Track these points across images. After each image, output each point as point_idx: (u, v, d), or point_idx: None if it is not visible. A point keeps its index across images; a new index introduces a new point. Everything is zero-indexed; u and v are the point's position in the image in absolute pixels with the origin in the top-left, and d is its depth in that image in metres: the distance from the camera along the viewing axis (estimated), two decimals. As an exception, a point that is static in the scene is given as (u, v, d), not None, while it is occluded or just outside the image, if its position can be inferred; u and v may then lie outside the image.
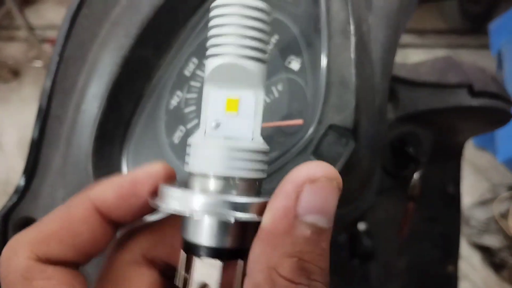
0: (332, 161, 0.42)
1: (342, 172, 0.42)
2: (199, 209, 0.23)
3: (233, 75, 0.25)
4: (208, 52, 0.26)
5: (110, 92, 0.42)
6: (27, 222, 0.44)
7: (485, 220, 1.61)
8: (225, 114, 0.26)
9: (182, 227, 0.25)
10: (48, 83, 0.43)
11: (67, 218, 0.24)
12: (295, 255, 0.21)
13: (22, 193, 0.43)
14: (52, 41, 2.41)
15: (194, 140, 0.26)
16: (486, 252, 1.59)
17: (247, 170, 0.25)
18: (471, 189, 1.73)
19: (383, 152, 0.65)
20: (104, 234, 0.26)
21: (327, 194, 0.22)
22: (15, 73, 2.39)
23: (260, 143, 0.26)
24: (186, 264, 0.24)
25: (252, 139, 0.26)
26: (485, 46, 2.00)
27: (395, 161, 0.68)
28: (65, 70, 0.44)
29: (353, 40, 0.42)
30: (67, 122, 0.43)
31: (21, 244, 0.23)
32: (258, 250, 0.22)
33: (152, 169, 0.26)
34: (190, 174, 0.26)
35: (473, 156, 1.84)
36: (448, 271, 0.81)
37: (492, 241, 1.57)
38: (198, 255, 0.24)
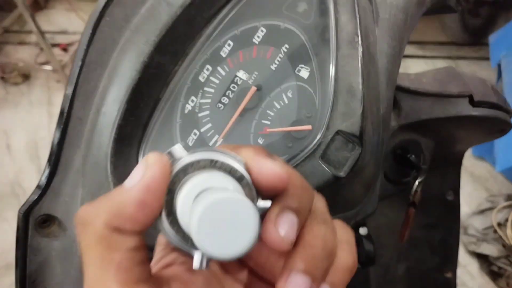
0: (339, 166, 0.44)
1: (348, 177, 0.44)
2: None
3: None
4: None
5: (129, 96, 0.44)
6: (47, 219, 0.46)
7: (483, 229, 1.62)
8: None
9: None
10: (71, 86, 0.45)
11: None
12: None
13: (43, 191, 0.45)
14: (62, 46, 2.44)
15: None
16: (484, 260, 1.59)
17: None
18: (469, 198, 1.74)
19: (385, 159, 0.67)
20: None
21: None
22: (25, 76, 2.41)
23: None
24: None
25: None
26: (484, 58, 2.02)
27: (396, 168, 0.70)
28: (87, 74, 0.46)
29: (360, 50, 0.44)
30: (88, 124, 0.45)
31: (96, 214, 0.26)
32: None
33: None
34: None
35: (471, 165, 1.85)
36: (446, 277, 0.82)
37: (490, 249, 1.58)
38: None
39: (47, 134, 2.15)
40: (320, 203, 0.30)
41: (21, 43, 2.58)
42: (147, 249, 0.27)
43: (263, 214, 0.27)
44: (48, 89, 2.34)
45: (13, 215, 1.81)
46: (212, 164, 0.27)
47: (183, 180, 0.27)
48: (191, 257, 0.28)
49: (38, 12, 2.60)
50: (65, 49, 2.46)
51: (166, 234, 0.27)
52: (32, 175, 2.03)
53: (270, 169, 0.27)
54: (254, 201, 0.27)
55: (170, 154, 0.27)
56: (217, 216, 0.24)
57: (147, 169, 0.26)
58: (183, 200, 0.26)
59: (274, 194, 0.28)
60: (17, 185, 2.01)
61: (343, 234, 0.30)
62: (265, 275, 0.32)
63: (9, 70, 2.39)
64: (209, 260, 0.27)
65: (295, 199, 0.27)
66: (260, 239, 0.26)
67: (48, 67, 2.35)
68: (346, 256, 0.29)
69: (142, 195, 0.25)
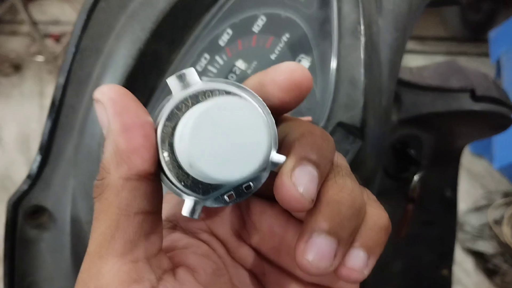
0: (339, 158, 0.43)
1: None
2: None
3: None
4: None
5: (124, 84, 0.43)
6: (37, 210, 0.45)
7: (479, 226, 1.63)
8: None
9: None
10: (64, 74, 0.44)
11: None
12: None
13: (33, 181, 0.44)
14: (54, 37, 2.42)
15: None
16: (480, 257, 1.60)
17: None
18: (466, 195, 1.74)
19: (384, 153, 0.66)
20: None
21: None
22: (17, 67, 2.39)
23: None
24: None
25: None
26: (484, 54, 2.02)
27: (396, 163, 0.69)
28: (81, 61, 0.44)
29: (363, 40, 0.43)
30: (80, 112, 0.44)
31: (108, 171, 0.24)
32: None
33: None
34: None
35: (469, 162, 1.85)
36: (442, 274, 0.82)
37: (486, 247, 1.58)
38: None
39: (39, 126, 2.13)
40: (342, 160, 0.26)
41: (13, 33, 2.56)
42: (160, 219, 0.25)
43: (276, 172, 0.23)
44: (40, 80, 2.32)
45: (2, 208, 1.79)
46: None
47: (187, 111, 0.23)
48: (196, 238, 0.26)
49: (31, 1, 2.57)
50: (57, 40, 2.43)
51: (161, 175, 0.24)
52: (22, 168, 2.01)
53: (288, 66, 0.24)
54: (270, 144, 0.23)
55: (181, 77, 0.24)
56: (217, 121, 0.19)
57: (105, 106, 0.23)
58: (182, 128, 0.23)
59: (295, 101, 0.24)
60: (7, 178, 1.99)
61: (370, 194, 0.26)
62: (281, 261, 0.28)
63: (0, 61, 2.37)
64: (203, 208, 0.24)
65: (314, 149, 0.23)
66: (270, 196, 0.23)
67: (40, 58, 2.33)
68: (378, 213, 0.25)
69: (119, 127, 0.22)
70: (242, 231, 0.29)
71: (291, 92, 0.24)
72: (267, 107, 0.24)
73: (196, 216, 0.24)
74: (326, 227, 0.23)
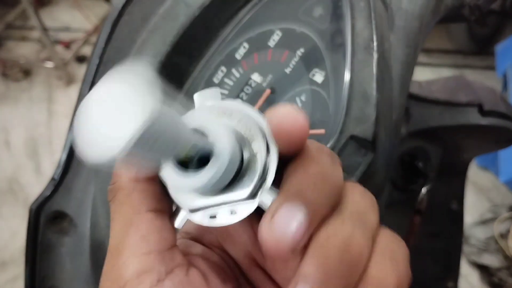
0: (351, 170, 0.44)
1: (359, 182, 0.44)
2: None
3: None
4: None
5: (145, 95, 0.44)
6: (59, 215, 0.46)
7: (485, 240, 1.62)
8: None
9: None
10: (87, 85, 0.45)
11: None
12: None
13: (55, 187, 0.45)
14: (64, 43, 2.44)
15: None
16: (485, 271, 1.59)
17: None
18: (472, 208, 1.72)
19: (393, 165, 0.67)
20: None
21: None
22: (26, 72, 2.41)
23: None
24: None
25: None
26: (490, 67, 2.03)
27: (404, 175, 0.70)
28: (104, 73, 0.45)
29: (375, 56, 0.44)
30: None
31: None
32: None
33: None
34: None
35: (475, 175, 1.84)
36: (448, 287, 0.82)
37: (492, 260, 1.58)
38: None
39: (47, 131, 2.14)
40: (357, 195, 0.24)
41: (24, 39, 2.58)
42: (169, 216, 0.26)
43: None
44: (49, 86, 2.34)
45: (9, 211, 1.81)
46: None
47: None
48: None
49: (42, 8, 2.60)
50: (67, 46, 2.46)
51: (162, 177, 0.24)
52: (30, 172, 2.02)
53: (285, 112, 0.22)
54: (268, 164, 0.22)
55: (203, 95, 0.26)
56: (102, 104, 0.17)
57: None
58: None
59: (287, 148, 0.23)
60: (15, 181, 2.00)
61: (388, 245, 0.23)
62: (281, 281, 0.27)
63: (10, 66, 2.39)
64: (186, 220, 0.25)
65: (310, 186, 0.21)
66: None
67: (49, 64, 2.35)
68: (384, 272, 0.22)
69: None
70: (257, 253, 0.28)
71: (281, 141, 0.23)
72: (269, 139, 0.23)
73: (180, 226, 0.26)
74: (311, 273, 0.20)
